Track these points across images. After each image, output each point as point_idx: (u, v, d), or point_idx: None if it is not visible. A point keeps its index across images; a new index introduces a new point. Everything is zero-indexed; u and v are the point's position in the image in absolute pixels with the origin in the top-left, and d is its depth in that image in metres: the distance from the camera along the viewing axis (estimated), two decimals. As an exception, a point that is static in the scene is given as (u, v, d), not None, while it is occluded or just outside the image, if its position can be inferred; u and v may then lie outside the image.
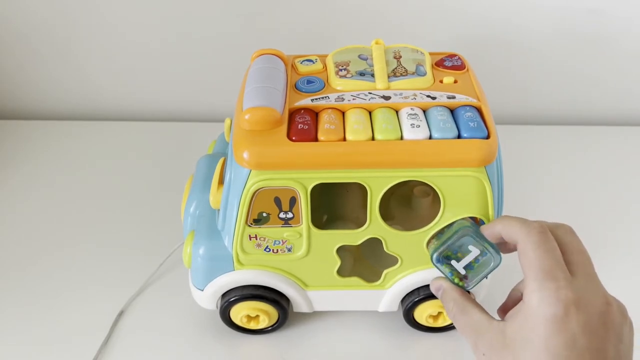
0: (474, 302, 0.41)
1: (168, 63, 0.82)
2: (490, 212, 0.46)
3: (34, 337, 0.54)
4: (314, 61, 0.53)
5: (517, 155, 0.69)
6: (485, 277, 0.42)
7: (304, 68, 0.52)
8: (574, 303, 0.34)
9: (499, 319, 0.40)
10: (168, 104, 0.85)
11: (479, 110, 0.47)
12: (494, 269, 0.41)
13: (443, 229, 0.45)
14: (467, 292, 0.42)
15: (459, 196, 0.45)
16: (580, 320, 0.34)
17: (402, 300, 0.52)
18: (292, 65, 0.53)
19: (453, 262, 0.42)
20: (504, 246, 0.43)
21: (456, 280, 0.42)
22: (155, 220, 0.66)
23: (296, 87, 0.50)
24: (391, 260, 0.50)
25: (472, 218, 0.53)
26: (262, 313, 0.52)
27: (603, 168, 0.75)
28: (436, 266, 0.42)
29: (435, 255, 0.42)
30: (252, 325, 0.53)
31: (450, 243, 0.42)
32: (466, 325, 0.39)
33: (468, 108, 0.47)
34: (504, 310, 0.42)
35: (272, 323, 0.53)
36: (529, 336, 0.35)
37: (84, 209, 0.68)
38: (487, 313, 0.40)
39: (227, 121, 0.55)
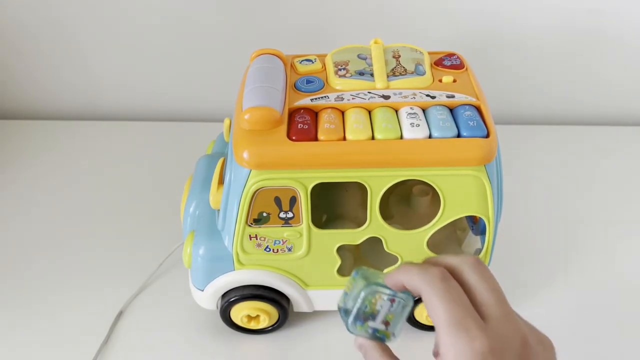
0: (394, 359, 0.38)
1: (167, 63, 0.82)
2: (490, 211, 0.46)
3: (34, 337, 0.54)
4: (313, 61, 0.53)
5: (516, 155, 0.70)
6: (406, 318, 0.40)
7: (303, 68, 0.52)
8: (490, 352, 0.32)
9: None
10: (168, 104, 0.85)
11: (478, 109, 0.47)
12: (411, 307, 0.39)
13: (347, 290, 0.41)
14: (388, 349, 0.39)
15: (458, 195, 0.45)
16: None
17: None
18: (291, 65, 0.53)
19: (370, 322, 0.39)
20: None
21: (380, 334, 0.39)
22: (155, 220, 0.66)
23: (295, 86, 0.50)
24: (391, 260, 0.50)
25: (472, 217, 0.53)
26: (262, 313, 0.52)
27: (603, 168, 0.75)
28: (354, 333, 0.39)
29: (349, 323, 0.39)
30: (253, 325, 0.53)
31: (358, 306, 0.38)
32: None
33: (467, 107, 0.47)
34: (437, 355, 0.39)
35: (272, 323, 0.53)
36: None
37: (84, 209, 0.68)
38: None
39: (227, 121, 0.55)
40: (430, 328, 0.53)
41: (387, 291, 0.38)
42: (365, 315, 0.38)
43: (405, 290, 0.37)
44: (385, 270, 0.39)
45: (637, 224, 0.67)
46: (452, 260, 0.36)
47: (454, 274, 0.35)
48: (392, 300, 0.38)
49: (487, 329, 0.33)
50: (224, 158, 0.52)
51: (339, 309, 0.40)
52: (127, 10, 0.77)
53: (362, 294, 0.38)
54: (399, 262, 0.49)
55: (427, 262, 0.37)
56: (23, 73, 0.83)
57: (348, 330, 0.39)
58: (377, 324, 0.38)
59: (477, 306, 0.34)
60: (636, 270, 0.61)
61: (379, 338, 0.39)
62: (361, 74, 0.50)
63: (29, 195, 0.71)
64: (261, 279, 0.50)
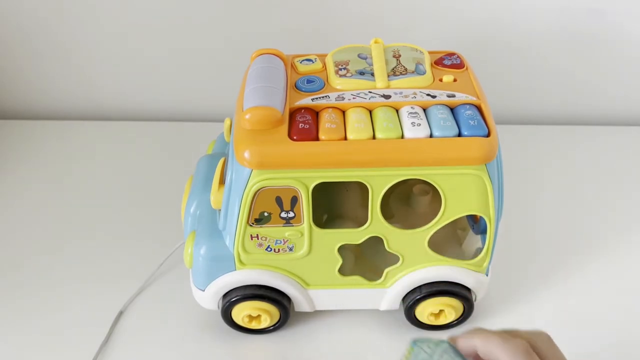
0: None
1: (168, 63, 0.82)
2: (491, 210, 0.46)
3: (34, 337, 0.54)
4: (314, 60, 0.53)
5: (517, 155, 0.70)
6: None
7: (303, 67, 0.52)
8: None
9: None
10: (168, 104, 0.85)
11: (478, 109, 0.48)
12: None
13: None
14: None
15: (460, 194, 0.45)
16: None
17: (404, 299, 0.52)
18: (291, 65, 0.53)
19: None
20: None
21: None
22: (155, 220, 0.66)
23: (296, 86, 0.50)
24: (392, 259, 0.50)
25: (473, 216, 0.53)
26: (263, 313, 0.52)
27: (603, 168, 0.75)
28: None
29: None
30: (254, 325, 0.53)
31: None
32: None
33: (468, 106, 0.47)
34: None
35: (273, 322, 0.53)
36: None
37: (84, 209, 0.68)
38: None
39: (227, 121, 0.55)
40: (432, 327, 0.53)
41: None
42: None
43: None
44: (447, 336, 0.37)
45: (637, 224, 0.67)
46: (526, 333, 0.35)
47: (532, 347, 0.34)
48: None
49: None
50: (225, 158, 0.52)
51: None
52: (128, 9, 0.77)
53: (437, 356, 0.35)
54: (400, 262, 0.49)
55: (504, 333, 0.36)
56: (23, 73, 0.83)
57: None
58: None
59: None
60: (637, 270, 0.61)
61: None
62: (362, 73, 0.50)
63: (28, 195, 0.71)
64: (262, 278, 0.50)
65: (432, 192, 0.55)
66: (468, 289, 0.51)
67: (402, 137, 0.45)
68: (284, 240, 0.48)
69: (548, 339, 0.35)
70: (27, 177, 0.73)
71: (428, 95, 0.48)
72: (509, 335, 0.35)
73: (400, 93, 0.49)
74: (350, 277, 0.51)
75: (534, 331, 0.35)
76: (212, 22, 0.78)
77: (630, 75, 0.82)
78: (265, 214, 0.47)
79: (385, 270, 0.50)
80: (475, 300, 0.52)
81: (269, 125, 0.45)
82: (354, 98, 0.48)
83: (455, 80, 0.50)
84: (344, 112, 0.47)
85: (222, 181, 0.49)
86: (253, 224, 0.47)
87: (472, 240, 0.54)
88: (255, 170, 0.44)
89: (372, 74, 0.50)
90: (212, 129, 0.68)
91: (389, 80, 0.50)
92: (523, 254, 0.62)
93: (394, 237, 0.48)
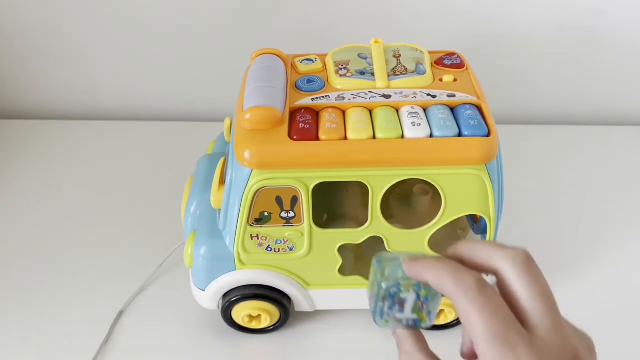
0: (430, 355, 0.34)
1: (167, 63, 0.82)
2: (491, 210, 0.46)
3: (34, 337, 0.54)
4: (314, 60, 0.53)
5: (517, 155, 0.70)
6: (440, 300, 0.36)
7: (303, 67, 0.52)
8: None
9: None
10: (168, 104, 0.85)
11: (479, 109, 0.48)
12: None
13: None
14: (423, 340, 0.35)
15: (460, 194, 0.45)
16: None
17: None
18: (291, 65, 0.53)
19: (397, 315, 0.35)
20: None
21: (416, 315, 0.35)
22: (155, 220, 0.66)
23: (296, 86, 0.50)
24: (392, 259, 0.50)
25: (473, 216, 0.53)
26: (263, 312, 0.52)
27: (603, 168, 0.75)
28: (385, 327, 0.36)
29: (378, 319, 0.36)
30: (254, 325, 0.53)
31: (379, 304, 0.35)
32: None
33: (468, 106, 0.47)
34: (469, 356, 0.36)
35: (273, 322, 0.53)
36: None
37: (84, 209, 0.68)
38: None
39: (227, 121, 0.55)
40: (432, 327, 0.53)
41: (410, 283, 0.34)
42: (390, 308, 0.35)
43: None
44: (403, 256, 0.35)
45: (638, 224, 0.67)
46: (494, 261, 0.31)
47: (497, 276, 0.31)
48: (417, 292, 0.34)
49: (534, 345, 0.29)
50: (225, 158, 0.52)
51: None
52: (128, 9, 0.77)
53: (380, 290, 0.34)
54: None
55: (456, 257, 0.33)
56: (23, 73, 0.83)
57: (378, 325, 0.36)
58: (406, 314, 0.35)
59: (522, 314, 0.30)
60: (638, 270, 0.61)
61: (413, 325, 0.35)
62: (362, 73, 0.50)
63: (28, 195, 0.71)
64: (263, 278, 0.50)
65: (432, 192, 0.55)
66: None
67: (402, 137, 0.45)
68: (284, 240, 0.48)
69: (522, 262, 0.31)
70: (27, 177, 0.73)
71: (428, 95, 0.48)
72: (462, 261, 0.32)
73: (401, 93, 0.48)
74: (350, 277, 0.51)
75: (504, 252, 0.31)
76: (212, 22, 0.78)
77: (630, 75, 0.82)
78: (266, 213, 0.47)
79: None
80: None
81: (269, 125, 0.45)
82: (354, 98, 0.48)
83: (455, 80, 0.50)
84: (344, 112, 0.47)
85: (222, 181, 0.49)
86: (253, 223, 0.47)
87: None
88: (256, 170, 0.44)
89: (373, 74, 0.50)
90: (212, 129, 0.68)
91: (389, 80, 0.50)
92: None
93: (394, 237, 0.48)
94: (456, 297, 0.30)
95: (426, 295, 0.34)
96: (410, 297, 0.34)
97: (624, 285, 0.59)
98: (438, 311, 0.35)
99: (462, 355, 0.35)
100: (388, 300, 0.34)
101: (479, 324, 0.29)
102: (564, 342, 0.30)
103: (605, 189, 0.72)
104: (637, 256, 0.63)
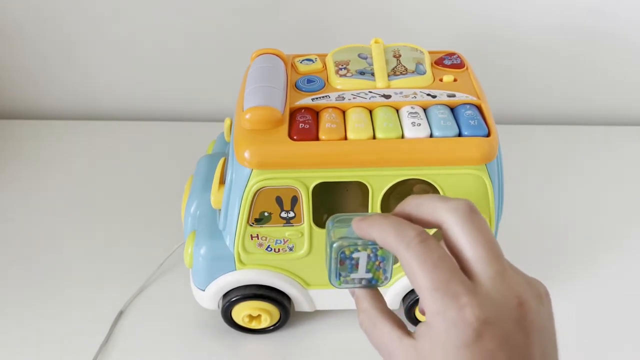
0: (386, 312, 0.34)
1: (167, 63, 0.82)
2: (491, 210, 0.46)
3: (34, 337, 0.54)
4: (314, 60, 0.53)
5: (517, 155, 0.70)
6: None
7: (303, 67, 0.52)
8: (484, 321, 0.28)
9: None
10: (168, 104, 0.85)
11: (479, 109, 0.48)
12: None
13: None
14: (380, 298, 0.35)
15: (460, 194, 0.45)
16: (496, 337, 0.28)
17: (404, 299, 0.52)
18: (291, 65, 0.53)
19: (352, 275, 0.35)
20: None
21: (370, 274, 0.35)
22: (155, 220, 0.66)
23: (296, 86, 0.50)
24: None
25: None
26: (263, 312, 0.52)
27: (603, 168, 0.75)
28: (341, 287, 0.36)
29: (333, 281, 0.36)
30: (254, 325, 0.53)
31: (333, 264, 0.35)
32: (378, 341, 0.34)
33: (468, 106, 0.47)
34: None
35: (273, 322, 0.53)
36: None
37: (84, 209, 0.68)
38: (399, 327, 0.33)
39: (227, 121, 0.55)
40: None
41: (364, 242, 0.34)
42: (343, 268, 0.35)
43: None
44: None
45: (638, 224, 0.67)
46: (438, 214, 0.31)
47: (442, 229, 0.31)
48: (368, 251, 0.34)
49: (477, 293, 0.29)
50: (225, 158, 0.52)
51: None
52: (128, 9, 0.77)
53: (332, 251, 0.34)
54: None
55: (403, 214, 0.33)
56: (22, 73, 0.83)
57: (334, 286, 0.36)
58: (360, 273, 0.35)
59: (466, 263, 0.30)
60: (638, 269, 0.61)
61: (369, 285, 0.35)
62: (362, 73, 0.50)
63: (28, 195, 0.71)
64: (263, 278, 0.50)
65: (432, 192, 0.55)
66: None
67: (402, 137, 0.45)
68: (284, 240, 0.48)
69: (464, 212, 0.30)
70: (26, 177, 0.73)
71: (428, 95, 0.48)
72: (405, 216, 0.32)
73: (401, 93, 0.49)
74: (350, 277, 0.51)
75: (447, 204, 0.31)
76: (212, 22, 0.78)
77: (630, 75, 0.82)
78: (266, 213, 0.47)
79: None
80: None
81: (269, 125, 0.45)
82: (354, 98, 0.48)
83: (455, 80, 0.50)
84: (344, 112, 0.47)
85: (222, 181, 0.49)
86: (253, 223, 0.47)
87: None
88: (256, 170, 0.44)
89: (372, 74, 0.50)
90: (211, 129, 0.68)
91: (389, 80, 0.50)
92: (523, 254, 0.61)
93: (394, 237, 0.48)
94: (399, 252, 0.30)
95: (383, 254, 0.34)
96: (362, 256, 0.34)
97: (624, 285, 0.59)
98: (392, 268, 0.35)
99: (421, 312, 0.35)
100: (342, 261, 0.35)
101: (421, 277, 0.29)
102: (507, 289, 0.29)
103: (606, 189, 0.72)
104: (638, 256, 0.63)
